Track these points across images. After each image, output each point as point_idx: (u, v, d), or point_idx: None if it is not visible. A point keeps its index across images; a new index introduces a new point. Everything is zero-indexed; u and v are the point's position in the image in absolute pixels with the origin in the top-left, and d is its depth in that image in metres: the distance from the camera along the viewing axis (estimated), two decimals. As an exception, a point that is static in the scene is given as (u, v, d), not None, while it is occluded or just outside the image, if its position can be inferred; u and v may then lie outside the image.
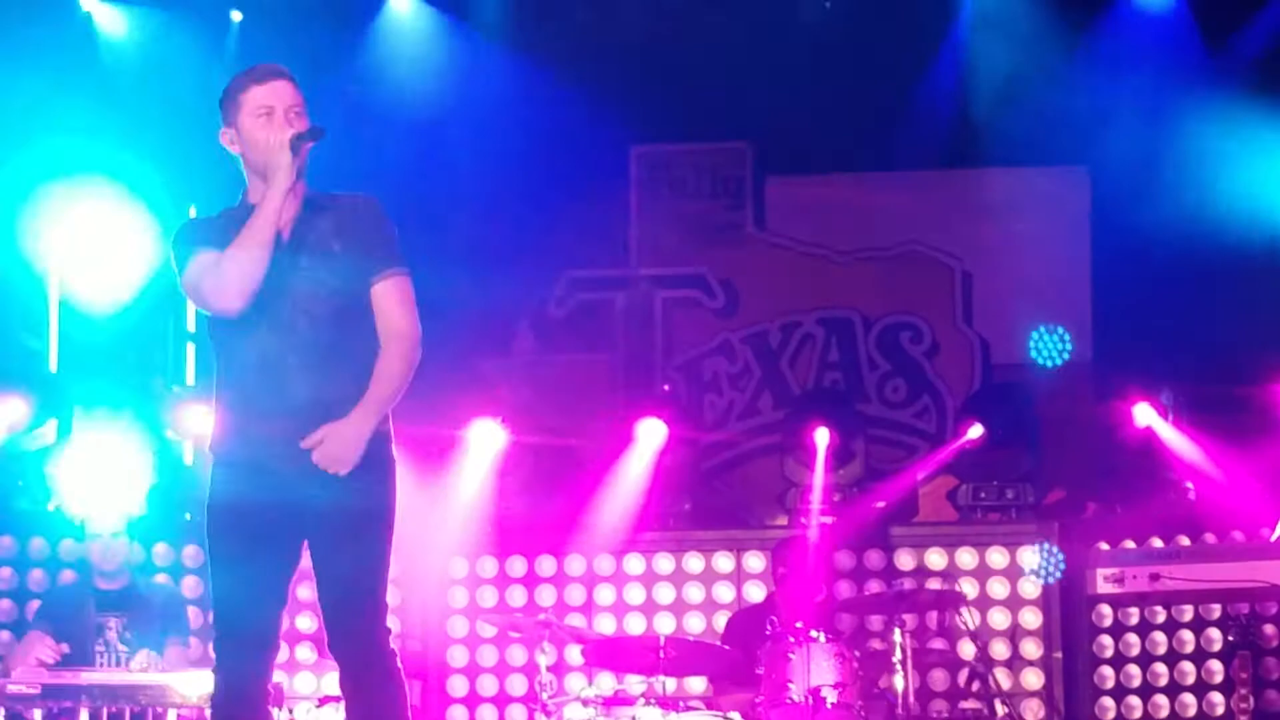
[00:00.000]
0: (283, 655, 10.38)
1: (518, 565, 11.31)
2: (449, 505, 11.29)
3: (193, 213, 11.76)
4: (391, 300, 5.78)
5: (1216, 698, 10.60)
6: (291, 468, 5.67)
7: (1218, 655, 10.60)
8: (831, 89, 12.27)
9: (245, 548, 5.72)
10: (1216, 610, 10.60)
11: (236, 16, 12.47)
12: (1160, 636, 10.69)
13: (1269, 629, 10.45)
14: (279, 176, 5.61)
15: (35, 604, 10.06)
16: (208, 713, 7.99)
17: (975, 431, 11.53)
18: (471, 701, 11.18)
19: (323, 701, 9.25)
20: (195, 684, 8.05)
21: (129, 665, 8.91)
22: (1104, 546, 10.74)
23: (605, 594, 11.24)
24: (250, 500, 5.70)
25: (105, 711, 8.14)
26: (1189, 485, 10.95)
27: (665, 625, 11.04)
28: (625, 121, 12.59)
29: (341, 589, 5.75)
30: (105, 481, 11.45)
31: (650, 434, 11.59)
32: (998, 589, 10.97)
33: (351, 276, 5.75)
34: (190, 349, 12.40)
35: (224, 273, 5.59)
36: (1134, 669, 10.70)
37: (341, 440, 5.63)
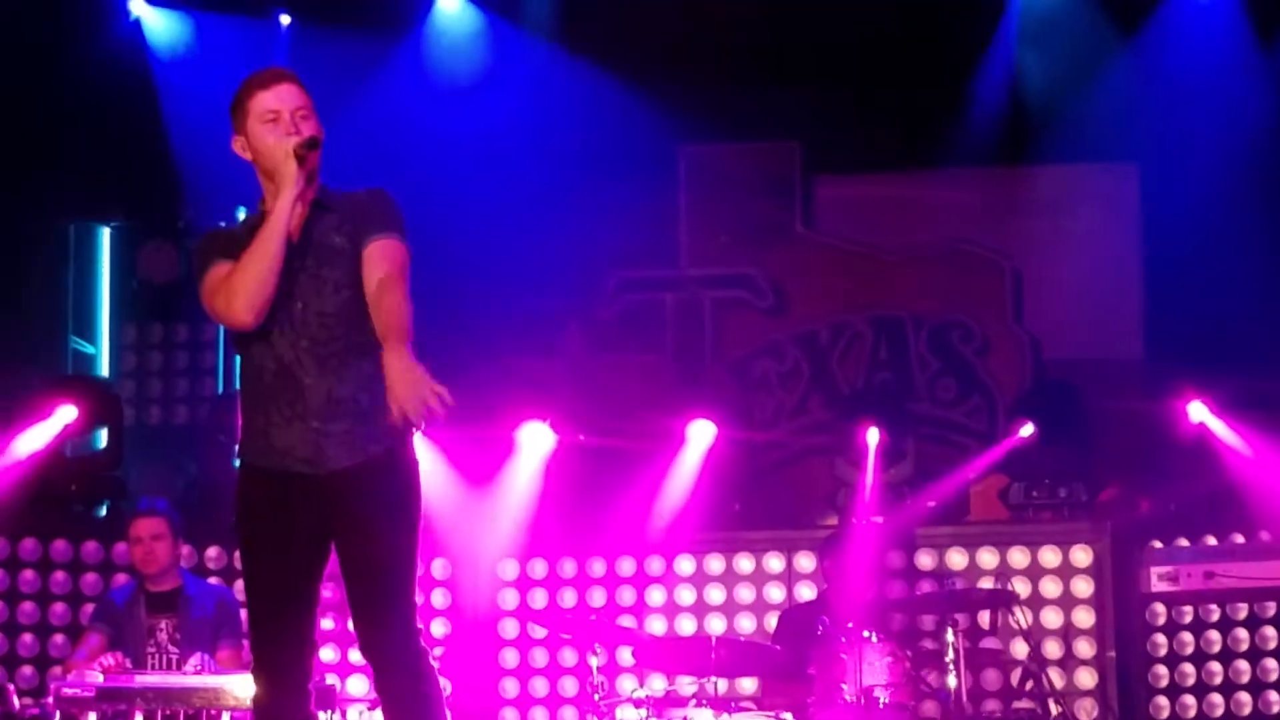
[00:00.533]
0: (335, 657, 10.48)
1: (568, 567, 11.32)
2: (499, 507, 11.31)
3: (241, 217, 11.82)
4: (376, 256, 5.69)
5: (1273, 696, 10.54)
6: (315, 471, 5.69)
7: (1273, 653, 10.55)
8: (880, 87, 12.24)
9: (274, 551, 5.75)
10: (1271, 608, 10.56)
11: (285, 20, 12.51)
12: (1215, 635, 10.63)
13: (1324, 626, 10.43)
14: (285, 187, 5.62)
15: (90, 607, 10.09)
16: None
17: (1027, 430, 11.49)
18: (523, 703, 11.19)
19: (374, 704, 9.26)
20: (249, 686, 8.05)
21: (181, 668, 8.94)
22: (1157, 545, 10.69)
23: (656, 595, 11.24)
24: (277, 505, 5.73)
25: (159, 714, 8.17)
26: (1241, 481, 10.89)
27: (716, 626, 11.04)
28: (673, 121, 12.58)
29: (369, 589, 5.72)
30: (152, 484, 11.51)
31: (700, 435, 11.58)
32: (1050, 588, 10.93)
33: (353, 264, 5.72)
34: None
35: (232, 287, 5.61)
36: (1188, 667, 10.64)
37: (403, 378, 5.38)
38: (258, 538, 5.78)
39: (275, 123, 5.68)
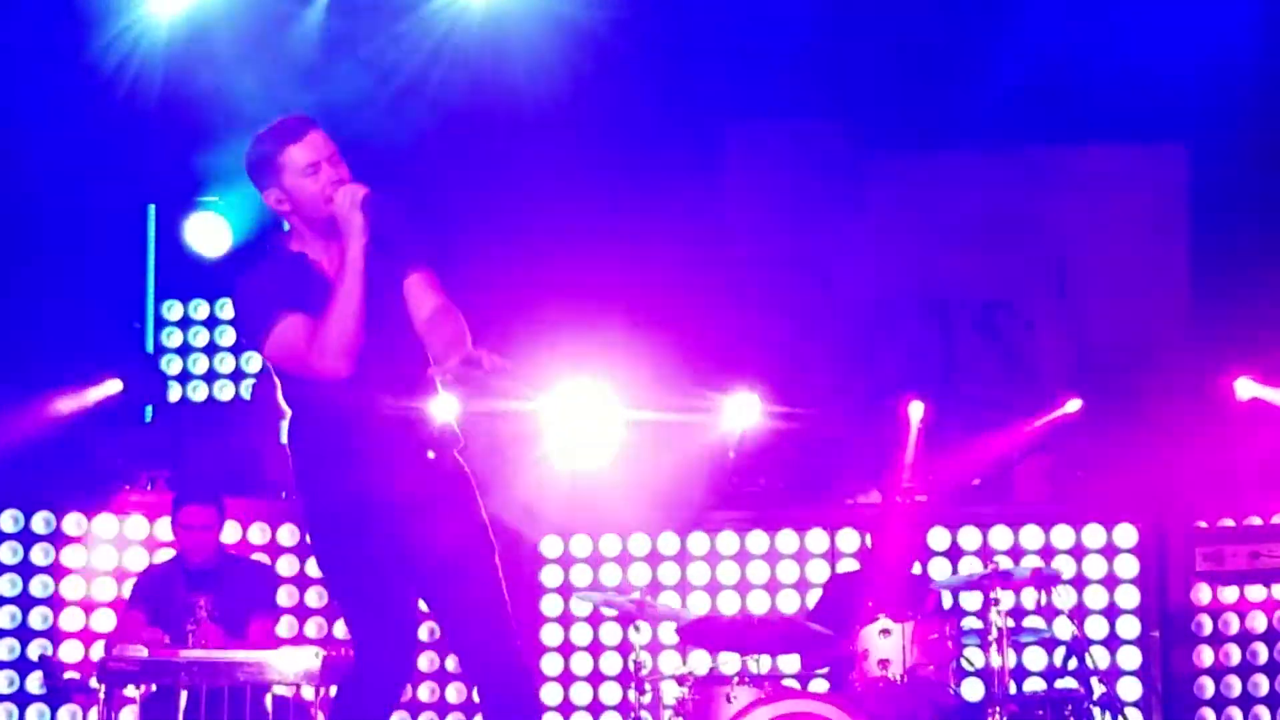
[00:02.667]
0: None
1: (611, 544, 11.33)
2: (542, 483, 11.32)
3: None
4: (430, 284, 5.95)
5: (1318, 677, 10.52)
6: (433, 494, 5.84)
7: (1319, 634, 10.52)
8: (928, 65, 12.19)
9: (396, 574, 5.87)
10: (1317, 588, 10.53)
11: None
12: (1259, 615, 10.59)
13: (1370, 606, 10.38)
14: (354, 237, 5.71)
15: (132, 582, 10.13)
16: (305, 692, 8.08)
17: (1073, 405, 11.44)
18: (566, 680, 11.21)
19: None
20: (293, 661, 8.10)
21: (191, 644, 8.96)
22: (1202, 525, 10.66)
23: (699, 572, 11.25)
24: (380, 492, 5.82)
25: (204, 688, 8.21)
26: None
27: (759, 603, 11.05)
28: (721, 99, 12.54)
29: (473, 600, 5.90)
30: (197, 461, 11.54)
31: (744, 410, 11.57)
32: (1094, 567, 10.91)
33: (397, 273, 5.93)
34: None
35: (327, 341, 5.69)
36: (1233, 648, 10.61)
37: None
38: (357, 525, 5.83)
39: (316, 172, 5.78)
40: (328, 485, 5.85)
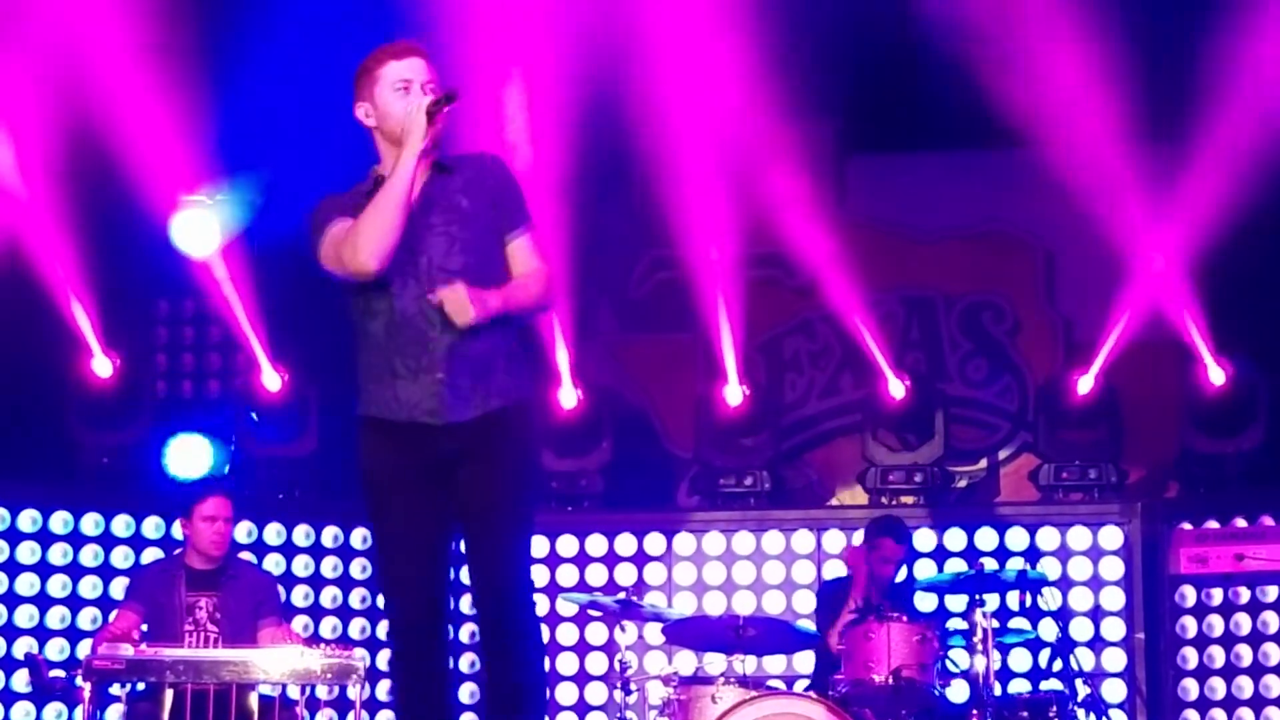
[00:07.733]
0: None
1: (598, 543, 11.35)
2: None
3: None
4: (529, 251, 5.98)
5: (1301, 679, 10.54)
6: (437, 421, 5.84)
7: (1302, 637, 10.55)
8: (916, 67, 12.18)
9: (406, 508, 5.89)
10: (1301, 591, 10.55)
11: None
12: (1244, 618, 10.62)
13: (1354, 610, 10.41)
14: (413, 139, 5.79)
15: (120, 581, 10.13)
16: (291, 691, 8.08)
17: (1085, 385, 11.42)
18: (551, 680, 11.22)
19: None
20: (279, 661, 8.11)
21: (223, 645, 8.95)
22: (1187, 527, 10.68)
23: (685, 573, 11.27)
24: (405, 460, 5.87)
25: (189, 687, 8.21)
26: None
27: (744, 604, 11.06)
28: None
29: (487, 542, 5.88)
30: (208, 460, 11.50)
31: (728, 413, 11.58)
32: (1079, 569, 10.94)
33: (481, 232, 5.94)
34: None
35: (359, 234, 5.76)
36: (1217, 650, 10.64)
37: (463, 295, 5.78)
38: (388, 498, 5.90)
39: (406, 91, 5.89)
40: (366, 402, 5.92)
